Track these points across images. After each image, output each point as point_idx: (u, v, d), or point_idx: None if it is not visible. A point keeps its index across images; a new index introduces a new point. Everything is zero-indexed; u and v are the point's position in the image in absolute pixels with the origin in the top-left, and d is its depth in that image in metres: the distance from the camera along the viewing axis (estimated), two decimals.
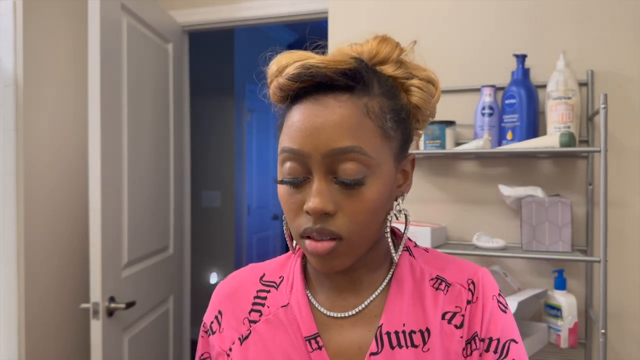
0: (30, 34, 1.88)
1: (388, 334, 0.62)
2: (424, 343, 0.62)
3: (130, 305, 1.78)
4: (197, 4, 2.35)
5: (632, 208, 1.58)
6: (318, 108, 0.57)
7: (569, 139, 1.44)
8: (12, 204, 1.83)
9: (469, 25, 1.76)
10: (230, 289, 0.72)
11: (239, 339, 0.66)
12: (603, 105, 1.36)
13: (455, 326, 0.63)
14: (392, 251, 0.63)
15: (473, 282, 0.66)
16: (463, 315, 0.64)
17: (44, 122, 1.94)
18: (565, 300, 1.51)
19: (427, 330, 0.62)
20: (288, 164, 0.59)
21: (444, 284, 0.66)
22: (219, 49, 4.01)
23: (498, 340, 0.63)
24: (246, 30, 4.13)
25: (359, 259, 0.63)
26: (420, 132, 0.70)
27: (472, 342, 0.63)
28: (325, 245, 0.57)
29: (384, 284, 0.66)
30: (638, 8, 1.59)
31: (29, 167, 1.86)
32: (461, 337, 0.63)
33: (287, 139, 0.58)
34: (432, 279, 0.66)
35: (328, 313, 0.65)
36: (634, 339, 1.59)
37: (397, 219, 0.64)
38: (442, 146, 1.63)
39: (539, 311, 1.60)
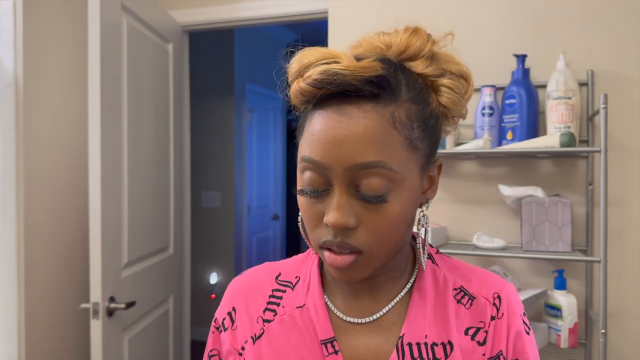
0: (30, 34, 1.88)
1: (410, 345, 0.60)
2: (446, 357, 0.59)
3: (130, 305, 1.77)
4: (197, 4, 2.35)
5: (632, 208, 1.58)
6: (341, 119, 0.53)
7: (569, 139, 1.44)
8: (12, 204, 1.83)
9: (469, 25, 1.76)
10: (246, 285, 0.69)
11: (252, 337, 0.64)
12: (603, 105, 1.36)
13: (478, 343, 0.61)
14: (422, 259, 0.61)
15: (499, 297, 0.64)
16: (486, 332, 0.62)
17: (44, 122, 1.94)
18: (565, 300, 1.51)
19: (450, 343, 0.60)
20: (308, 174, 0.55)
21: (467, 297, 0.64)
22: (219, 49, 4.02)
23: None
24: (246, 30, 4.13)
25: (384, 266, 0.61)
26: (449, 129, 0.66)
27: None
28: (345, 260, 0.55)
29: (404, 291, 0.64)
30: (638, 8, 1.59)
31: (29, 167, 1.86)
32: (483, 355, 0.61)
33: (307, 148, 0.55)
34: (455, 289, 0.64)
35: (345, 317, 0.63)
36: (634, 339, 1.59)
37: (420, 225, 0.62)
38: (442, 146, 1.63)
39: (539, 311, 1.60)
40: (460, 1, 1.76)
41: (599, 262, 1.37)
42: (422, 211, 0.61)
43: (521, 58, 1.60)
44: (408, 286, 0.64)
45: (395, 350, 0.59)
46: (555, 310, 1.53)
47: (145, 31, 2.04)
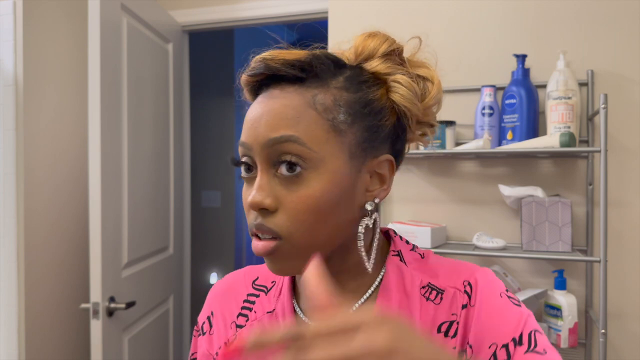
0: (30, 34, 1.88)
1: None
2: None
3: (130, 305, 1.78)
4: (197, 4, 2.35)
5: (632, 208, 1.58)
6: (265, 100, 0.56)
7: (569, 139, 1.44)
8: (12, 204, 1.83)
9: (469, 25, 1.76)
10: (224, 289, 0.69)
11: (226, 343, 0.64)
12: (603, 105, 1.36)
13: (450, 335, 0.58)
14: (365, 259, 0.58)
15: (470, 284, 0.60)
16: (458, 323, 0.59)
17: (44, 122, 1.94)
18: (565, 300, 1.51)
19: None
20: (243, 159, 0.58)
21: (434, 292, 0.60)
22: (219, 49, 4.02)
23: (521, 335, 0.57)
24: (246, 30, 4.13)
25: (336, 263, 0.59)
26: (423, 135, 0.64)
27: (468, 350, 0.58)
28: (265, 246, 0.54)
29: (369, 292, 0.61)
30: (638, 8, 1.59)
31: (29, 167, 1.86)
32: (454, 348, 0.58)
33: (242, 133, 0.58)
34: (423, 287, 0.61)
35: (309, 322, 0.57)
36: (634, 339, 1.59)
37: (369, 225, 0.58)
38: (442, 146, 1.63)
39: (539, 311, 1.60)
40: (460, 1, 1.76)
41: (599, 262, 1.37)
42: (369, 211, 0.57)
43: (521, 58, 1.60)
44: (374, 286, 0.61)
45: None
46: (555, 310, 1.53)
47: (145, 31, 2.04)
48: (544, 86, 1.62)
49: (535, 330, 0.57)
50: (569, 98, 1.53)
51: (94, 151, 1.70)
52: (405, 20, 1.83)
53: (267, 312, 0.63)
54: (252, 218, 0.55)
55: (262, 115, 0.55)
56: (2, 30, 1.84)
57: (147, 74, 2.05)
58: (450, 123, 1.64)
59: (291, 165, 0.53)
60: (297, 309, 0.63)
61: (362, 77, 0.58)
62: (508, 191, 1.60)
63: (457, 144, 1.71)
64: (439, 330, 0.59)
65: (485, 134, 1.62)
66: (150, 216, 2.08)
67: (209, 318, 0.67)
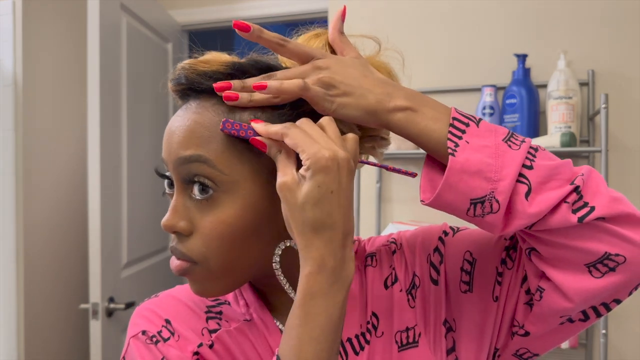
0: (30, 34, 1.88)
1: (350, 340, 0.57)
2: (375, 330, 0.58)
3: (129, 305, 1.77)
4: (197, 3, 2.35)
5: None
6: (181, 113, 0.52)
7: (569, 139, 1.44)
8: (11, 204, 1.82)
9: (470, 25, 1.75)
10: (172, 302, 0.62)
11: (207, 345, 0.57)
12: (604, 105, 1.36)
13: (392, 284, 0.60)
14: (284, 285, 0.53)
15: (394, 238, 0.64)
16: (394, 268, 0.61)
17: (43, 123, 1.94)
18: None
19: (374, 315, 0.58)
20: (167, 174, 0.54)
21: (369, 258, 0.62)
22: (218, 49, 4.01)
23: (444, 231, 0.62)
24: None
25: (271, 282, 0.55)
26: (373, 148, 0.59)
27: (416, 279, 0.60)
28: (178, 264, 0.52)
29: None
30: (638, 8, 1.58)
31: (29, 167, 1.86)
32: (400, 291, 0.60)
33: None
34: (365, 261, 0.62)
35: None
36: (634, 339, 1.59)
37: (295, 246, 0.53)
38: None
39: None
40: (460, 1, 1.76)
41: None
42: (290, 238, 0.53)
43: (522, 58, 1.60)
44: None
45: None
46: None
47: (144, 31, 2.04)
48: (544, 86, 1.62)
49: (451, 227, 0.63)
50: (570, 98, 1.52)
51: (93, 151, 1.69)
52: (405, 20, 1.82)
53: (245, 320, 0.58)
54: (171, 239, 0.54)
55: (175, 130, 0.51)
56: (1, 30, 1.84)
57: (147, 73, 2.05)
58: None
59: (203, 188, 0.50)
60: (276, 321, 0.59)
61: None
62: None
63: None
64: (385, 286, 0.60)
65: None
66: (150, 216, 2.08)
67: (165, 326, 0.58)
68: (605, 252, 0.47)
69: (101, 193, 1.70)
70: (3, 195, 1.83)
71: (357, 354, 0.56)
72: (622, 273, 0.48)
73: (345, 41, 0.55)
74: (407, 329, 0.58)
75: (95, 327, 1.70)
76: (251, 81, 0.51)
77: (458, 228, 0.64)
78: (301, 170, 0.45)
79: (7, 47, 1.84)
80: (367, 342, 0.57)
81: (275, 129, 0.47)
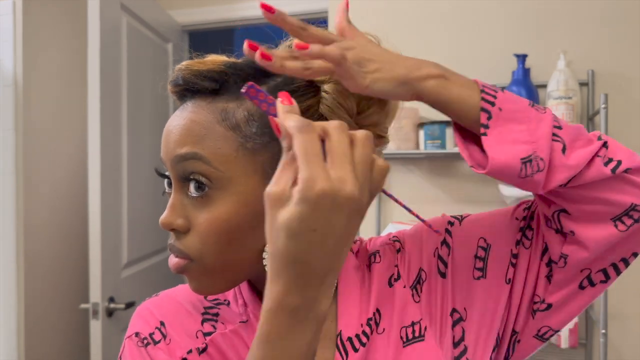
0: (30, 34, 1.88)
1: (350, 339, 0.57)
2: (377, 326, 0.57)
3: (129, 305, 1.77)
4: (197, 3, 2.35)
5: None
6: (177, 113, 0.54)
7: None
8: (11, 204, 1.83)
9: (470, 25, 1.75)
10: (169, 302, 0.62)
11: (197, 349, 0.57)
12: (604, 105, 1.36)
13: (395, 280, 0.60)
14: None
15: (395, 236, 0.64)
16: (397, 265, 0.61)
17: (43, 122, 1.94)
18: None
19: (377, 311, 0.58)
20: (166, 173, 0.55)
21: (373, 256, 0.62)
22: (218, 49, 4.02)
23: (448, 221, 0.62)
24: (246, 29, 4.13)
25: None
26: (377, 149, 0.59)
27: (419, 278, 0.60)
28: (175, 262, 0.53)
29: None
30: (638, 8, 1.58)
31: (29, 167, 1.86)
32: (404, 287, 0.60)
33: None
34: (369, 259, 0.63)
35: None
36: (634, 339, 1.59)
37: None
38: (442, 146, 1.63)
39: None
40: (460, 1, 1.76)
41: None
42: None
43: (521, 58, 1.60)
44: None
45: (336, 351, 0.56)
46: None
47: (145, 31, 2.04)
48: (544, 86, 1.62)
49: (454, 215, 0.63)
50: (570, 98, 1.52)
51: (93, 151, 1.70)
52: (405, 20, 1.82)
53: (241, 322, 0.58)
54: (169, 237, 0.54)
55: (172, 129, 0.53)
56: (2, 30, 1.84)
57: (147, 73, 2.05)
58: (450, 123, 1.64)
59: (199, 185, 0.51)
60: None
61: (292, 86, 0.54)
62: (508, 191, 1.60)
63: None
64: (389, 284, 0.60)
65: None
66: (150, 216, 2.08)
67: (158, 328, 0.59)
68: (632, 204, 0.51)
69: (101, 193, 1.70)
70: (3, 195, 1.83)
71: (356, 350, 0.56)
72: None
73: (354, 29, 0.54)
74: (413, 324, 0.58)
75: (96, 327, 1.70)
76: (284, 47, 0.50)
77: (461, 216, 0.64)
78: (294, 189, 0.38)
79: (7, 47, 1.84)
80: (368, 338, 0.57)
81: (288, 123, 0.40)
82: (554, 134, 0.51)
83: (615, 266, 0.56)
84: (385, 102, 0.57)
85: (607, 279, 0.56)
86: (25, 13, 1.85)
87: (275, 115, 0.42)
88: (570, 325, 1.50)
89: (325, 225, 0.38)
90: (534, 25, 1.68)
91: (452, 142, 1.64)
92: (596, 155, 0.51)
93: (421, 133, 1.68)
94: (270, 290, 0.40)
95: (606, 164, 0.51)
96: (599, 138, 0.53)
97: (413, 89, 0.51)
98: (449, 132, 1.64)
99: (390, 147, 1.67)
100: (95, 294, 1.69)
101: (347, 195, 0.37)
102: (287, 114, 0.41)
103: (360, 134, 0.40)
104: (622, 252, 0.55)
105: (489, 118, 0.51)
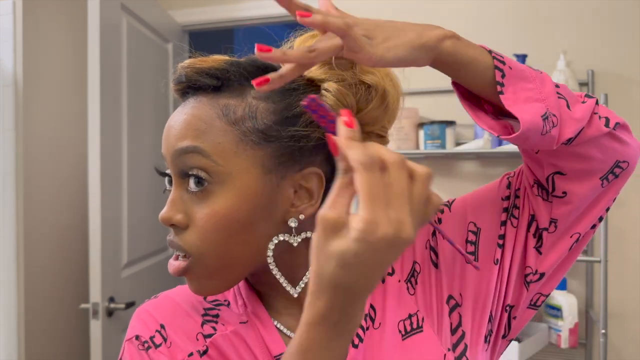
0: (30, 34, 1.88)
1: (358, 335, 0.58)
2: (372, 321, 0.58)
3: (130, 305, 1.77)
4: (197, 4, 2.35)
5: (632, 208, 1.58)
6: (180, 109, 0.54)
7: None
8: (11, 204, 1.83)
9: (469, 25, 1.75)
10: (169, 304, 0.62)
11: (198, 352, 0.56)
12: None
13: (389, 275, 0.60)
14: (280, 280, 0.54)
15: None
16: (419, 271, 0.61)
17: (43, 122, 1.94)
18: (565, 300, 1.51)
19: (372, 307, 0.58)
20: (167, 171, 0.56)
21: None
22: (218, 49, 4.02)
23: (437, 219, 0.62)
24: (246, 30, 4.13)
25: (270, 280, 0.55)
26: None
27: (413, 271, 0.60)
28: (176, 265, 0.53)
29: None
30: (638, 8, 1.58)
31: (29, 167, 1.86)
32: (399, 281, 0.60)
33: None
34: None
35: (287, 332, 0.57)
36: (634, 339, 1.59)
37: (293, 243, 0.54)
38: (442, 146, 1.63)
39: (539, 311, 1.60)
40: (460, 1, 1.76)
41: (599, 262, 1.37)
42: (294, 229, 0.53)
43: (521, 58, 1.60)
44: None
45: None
46: (555, 311, 1.53)
47: (145, 31, 2.04)
48: None
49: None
50: None
51: (93, 151, 1.70)
52: (404, 20, 1.82)
53: (241, 322, 0.58)
54: (169, 234, 0.54)
55: (173, 125, 0.53)
56: (2, 30, 1.84)
57: (147, 73, 2.05)
58: (450, 123, 1.64)
59: (199, 180, 0.51)
60: (273, 320, 0.58)
61: (293, 84, 0.54)
62: None
63: (457, 144, 1.71)
64: (382, 280, 0.60)
65: (486, 134, 1.62)
66: (150, 216, 2.08)
67: (158, 331, 0.58)
68: (616, 161, 0.55)
69: (101, 193, 1.70)
70: (3, 195, 1.83)
71: (355, 347, 0.56)
72: (623, 178, 0.57)
73: (343, 11, 0.55)
74: (410, 316, 0.58)
75: (96, 327, 1.70)
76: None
77: (449, 201, 0.64)
78: (352, 221, 0.38)
79: (7, 47, 1.84)
80: (365, 333, 0.58)
81: (351, 155, 0.38)
82: (557, 92, 0.53)
83: (594, 226, 0.60)
84: (384, 95, 0.56)
85: (592, 227, 0.60)
86: (25, 13, 1.85)
87: (333, 133, 0.41)
88: (571, 325, 1.50)
89: (377, 262, 0.39)
90: (534, 25, 1.68)
91: (452, 142, 1.64)
92: (593, 112, 0.54)
93: (421, 133, 1.68)
94: (313, 305, 0.41)
95: (600, 119, 0.54)
96: (587, 96, 0.56)
97: (431, 52, 0.51)
98: (449, 132, 1.64)
99: (390, 147, 1.67)
100: (95, 294, 1.69)
101: (405, 238, 0.38)
102: (349, 142, 0.39)
103: (421, 170, 0.40)
104: (599, 210, 0.58)
105: (503, 76, 0.52)
